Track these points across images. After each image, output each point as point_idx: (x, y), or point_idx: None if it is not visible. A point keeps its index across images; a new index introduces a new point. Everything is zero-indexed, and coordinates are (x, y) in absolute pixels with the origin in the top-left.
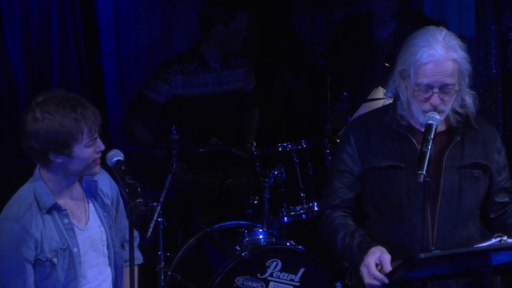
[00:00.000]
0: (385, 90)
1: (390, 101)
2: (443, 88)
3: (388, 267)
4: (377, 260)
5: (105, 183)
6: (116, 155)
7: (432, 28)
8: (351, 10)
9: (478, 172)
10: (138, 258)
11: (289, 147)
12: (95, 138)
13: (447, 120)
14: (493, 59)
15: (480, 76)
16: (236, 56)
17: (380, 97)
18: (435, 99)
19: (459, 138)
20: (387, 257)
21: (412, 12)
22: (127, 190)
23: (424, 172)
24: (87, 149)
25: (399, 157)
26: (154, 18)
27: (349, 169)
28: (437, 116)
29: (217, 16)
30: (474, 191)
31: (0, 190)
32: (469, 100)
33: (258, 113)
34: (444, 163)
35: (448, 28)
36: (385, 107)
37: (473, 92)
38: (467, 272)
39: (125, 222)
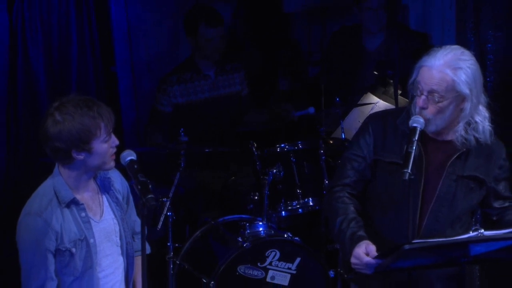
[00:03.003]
0: (374, 96)
1: (378, 106)
2: (431, 93)
3: (374, 255)
4: (364, 251)
5: (117, 180)
6: (129, 155)
7: (454, 47)
8: (344, 23)
9: (475, 184)
10: (146, 248)
11: (286, 148)
12: (110, 133)
13: (455, 131)
14: None
15: None
16: (230, 62)
17: (370, 102)
18: (421, 101)
19: (465, 149)
20: (372, 247)
21: (398, 25)
22: (139, 187)
23: (409, 171)
24: (104, 144)
25: (402, 156)
26: (163, 30)
27: (363, 155)
28: (421, 120)
29: (185, 30)
30: (467, 200)
31: (25, 187)
32: (482, 128)
33: (256, 115)
34: (446, 169)
35: (431, 39)
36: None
37: (490, 127)
38: (448, 262)
39: (134, 216)
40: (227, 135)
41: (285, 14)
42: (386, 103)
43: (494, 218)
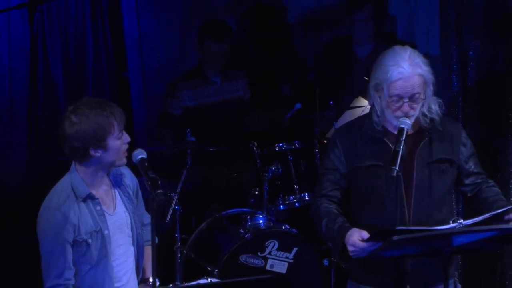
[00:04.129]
0: (364, 99)
1: (368, 108)
2: (412, 98)
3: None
4: (359, 237)
5: (128, 176)
6: (140, 154)
7: (398, 48)
8: (337, 33)
9: (445, 166)
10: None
11: (284, 147)
12: (122, 131)
13: (417, 123)
14: (454, 74)
15: (444, 89)
16: (234, 69)
17: (361, 105)
18: (405, 107)
19: (427, 138)
20: (364, 232)
21: (386, 34)
22: (149, 183)
23: (397, 168)
24: (118, 140)
25: (377, 158)
26: (171, 39)
27: (335, 168)
28: (408, 121)
29: (197, 41)
30: (442, 182)
31: (44, 183)
32: (434, 106)
33: (256, 117)
34: (415, 160)
35: (417, 47)
36: (363, 117)
37: (439, 100)
38: (432, 252)
39: (142, 209)
40: (230, 135)
41: (284, 24)
42: None
43: (469, 195)
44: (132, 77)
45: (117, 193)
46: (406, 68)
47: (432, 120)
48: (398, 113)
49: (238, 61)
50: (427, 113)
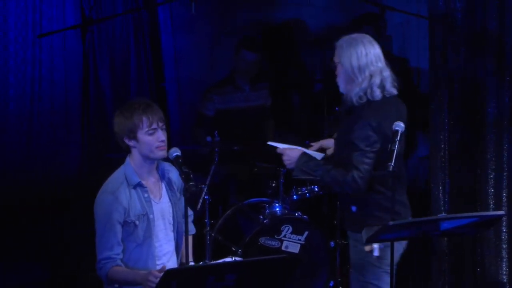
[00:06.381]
0: None
1: None
2: None
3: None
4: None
5: (174, 174)
6: (175, 151)
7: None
8: None
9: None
10: (192, 230)
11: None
12: (155, 129)
13: None
14: (441, 86)
15: (433, 97)
16: (260, 81)
17: None
18: None
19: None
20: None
21: (383, 51)
22: (183, 176)
23: (392, 164)
24: (148, 136)
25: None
26: (202, 55)
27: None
28: (402, 124)
29: (234, 53)
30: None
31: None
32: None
33: (273, 123)
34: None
35: (409, 62)
36: None
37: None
38: (422, 235)
39: (183, 203)
40: (253, 136)
41: (295, 41)
42: None
43: None
44: (168, 87)
45: (163, 186)
46: None
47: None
48: None
49: (263, 76)
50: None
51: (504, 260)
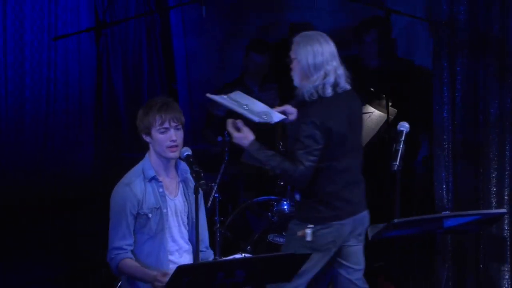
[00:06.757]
0: (370, 107)
1: (374, 114)
2: None
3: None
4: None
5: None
6: (186, 151)
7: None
8: (348, 52)
9: None
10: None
11: None
12: (166, 128)
13: None
14: (445, 86)
15: (437, 98)
16: (268, 82)
17: (367, 112)
18: None
19: None
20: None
21: (389, 53)
22: (194, 175)
23: (397, 163)
24: (160, 134)
25: None
26: (212, 57)
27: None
28: (406, 124)
29: (244, 55)
30: None
31: (107, 177)
32: None
33: (281, 122)
34: None
35: (413, 64)
36: None
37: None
38: (427, 232)
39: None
40: (262, 135)
41: None
42: (380, 112)
43: None
44: (180, 88)
45: (180, 185)
46: None
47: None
48: None
49: (271, 78)
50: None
51: (507, 257)
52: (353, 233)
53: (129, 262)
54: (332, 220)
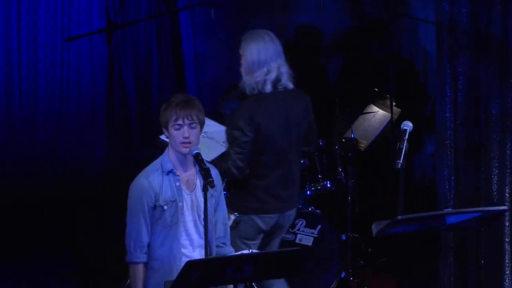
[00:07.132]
0: (375, 106)
1: (378, 114)
2: None
3: None
4: None
5: (213, 172)
6: (195, 149)
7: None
8: (352, 54)
9: None
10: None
11: None
12: (180, 125)
13: None
14: (447, 87)
15: (439, 98)
16: None
17: (372, 111)
18: None
19: None
20: None
21: (393, 54)
22: (202, 172)
23: (401, 161)
24: (174, 130)
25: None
26: (221, 59)
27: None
28: (410, 124)
29: None
30: None
31: (118, 175)
32: None
33: None
34: None
35: (416, 65)
36: None
37: None
38: (430, 229)
39: (222, 203)
40: None
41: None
42: (384, 112)
43: None
44: (189, 88)
45: (198, 182)
46: None
47: None
48: None
49: None
50: None
51: (507, 252)
52: (277, 227)
53: (140, 271)
54: (259, 213)
